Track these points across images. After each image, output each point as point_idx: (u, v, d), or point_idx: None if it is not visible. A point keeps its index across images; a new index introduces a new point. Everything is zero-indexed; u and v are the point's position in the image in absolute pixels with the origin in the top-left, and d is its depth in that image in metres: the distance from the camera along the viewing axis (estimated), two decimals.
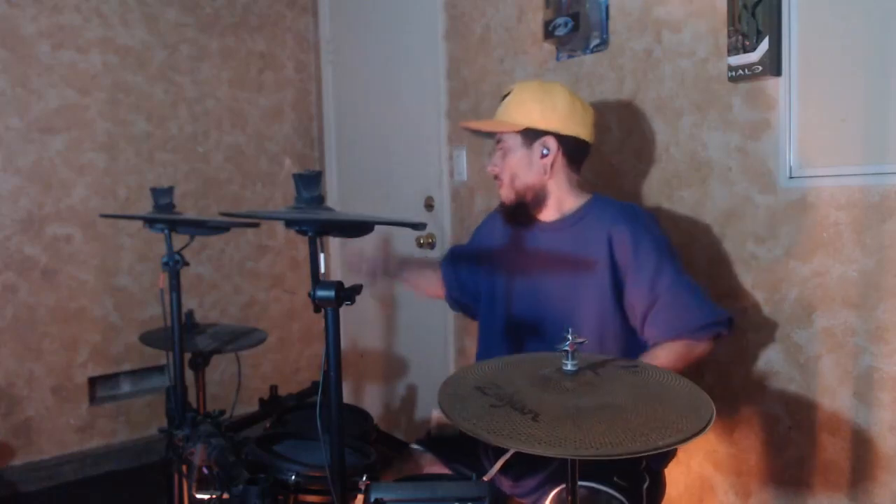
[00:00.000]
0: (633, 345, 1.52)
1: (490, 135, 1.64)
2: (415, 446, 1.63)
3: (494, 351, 1.63)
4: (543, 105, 1.54)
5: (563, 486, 1.34)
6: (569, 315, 1.49)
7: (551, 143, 1.54)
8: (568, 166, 1.57)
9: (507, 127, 1.56)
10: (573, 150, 1.57)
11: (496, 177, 1.60)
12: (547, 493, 1.38)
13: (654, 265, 1.45)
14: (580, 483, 1.28)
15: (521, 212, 1.59)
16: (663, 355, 1.43)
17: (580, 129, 1.56)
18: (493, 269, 1.68)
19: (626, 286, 1.48)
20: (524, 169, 1.56)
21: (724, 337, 1.49)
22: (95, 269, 2.88)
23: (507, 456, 1.32)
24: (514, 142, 1.56)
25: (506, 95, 1.60)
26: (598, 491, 1.36)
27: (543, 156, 1.54)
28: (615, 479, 1.39)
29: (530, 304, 1.58)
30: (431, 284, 1.87)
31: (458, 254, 1.87)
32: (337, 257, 3.32)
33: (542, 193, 1.57)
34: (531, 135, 1.54)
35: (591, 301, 1.50)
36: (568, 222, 1.56)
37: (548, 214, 1.58)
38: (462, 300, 1.83)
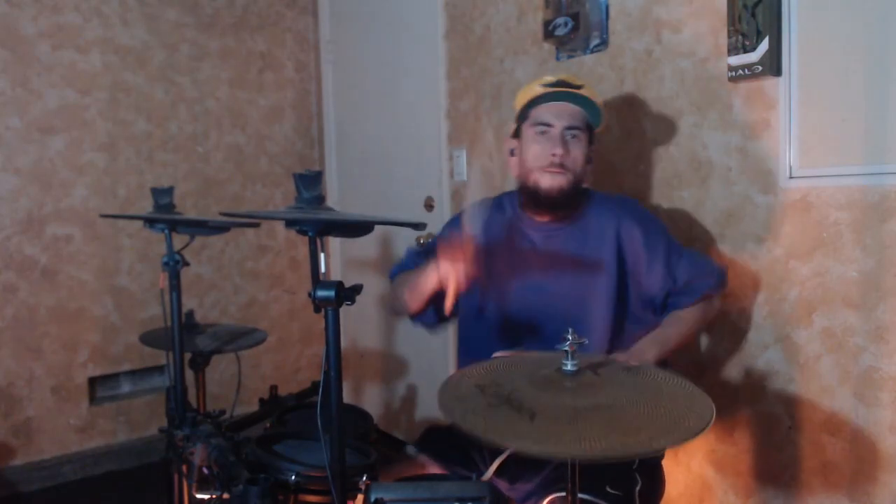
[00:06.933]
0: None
1: (512, 118, 1.62)
2: (409, 449, 1.63)
3: (488, 350, 1.60)
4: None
5: (558, 494, 1.33)
6: (580, 314, 1.49)
7: (594, 151, 1.61)
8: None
9: (602, 120, 1.58)
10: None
11: (559, 164, 1.51)
12: (541, 500, 1.37)
13: (665, 249, 1.53)
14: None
15: (560, 206, 1.55)
16: (686, 316, 1.54)
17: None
18: (482, 266, 1.64)
19: (642, 276, 1.53)
20: (585, 166, 1.55)
21: (725, 288, 1.62)
22: (95, 269, 2.88)
23: (503, 457, 1.31)
24: (586, 137, 1.55)
25: (574, 83, 1.54)
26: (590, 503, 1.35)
27: (590, 156, 1.58)
28: (607, 488, 1.37)
29: (530, 304, 1.57)
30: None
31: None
32: (337, 257, 3.33)
33: (582, 189, 1.58)
34: (592, 137, 1.57)
35: (600, 299, 1.51)
36: (573, 218, 1.57)
37: (567, 211, 1.57)
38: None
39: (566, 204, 1.54)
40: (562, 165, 1.50)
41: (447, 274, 1.41)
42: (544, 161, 1.50)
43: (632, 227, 1.52)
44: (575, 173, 1.52)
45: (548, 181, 1.51)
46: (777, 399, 1.65)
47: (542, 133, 1.52)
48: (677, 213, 1.84)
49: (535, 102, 1.54)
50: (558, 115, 1.52)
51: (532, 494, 1.44)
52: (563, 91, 1.53)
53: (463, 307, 1.68)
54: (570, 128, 1.52)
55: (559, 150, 1.49)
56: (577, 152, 1.52)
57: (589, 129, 1.55)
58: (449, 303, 1.41)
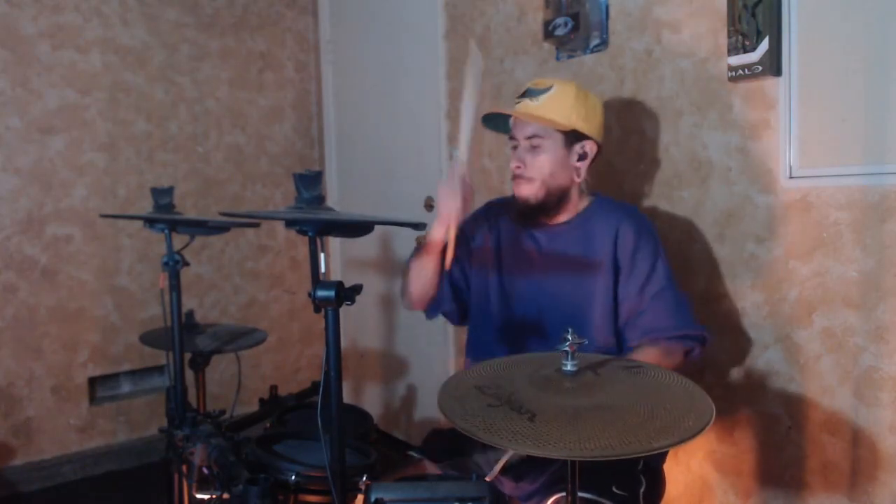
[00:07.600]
0: None
1: (501, 126, 1.63)
2: (412, 453, 1.63)
3: (491, 351, 1.62)
4: (586, 108, 1.54)
5: (561, 494, 1.33)
6: (579, 315, 1.51)
7: (591, 147, 1.56)
8: (589, 170, 1.59)
9: (560, 124, 1.51)
10: (597, 156, 1.60)
11: (518, 175, 1.55)
12: (546, 499, 1.37)
13: (648, 270, 1.50)
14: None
15: (540, 212, 1.56)
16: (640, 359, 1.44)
17: (604, 135, 1.61)
18: (489, 268, 1.67)
19: (619, 284, 1.51)
20: (559, 170, 1.54)
21: (696, 356, 1.49)
22: (95, 269, 2.88)
23: (507, 458, 1.32)
24: (555, 141, 1.53)
25: (537, 89, 1.53)
26: (595, 503, 1.36)
27: (580, 159, 1.55)
28: (613, 489, 1.38)
29: (535, 305, 1.58)
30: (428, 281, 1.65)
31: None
32: (337, 257, 3.33)
33: (566, 195, 1.57)
34: (573, 137, 1.54)
35: (600, 300, 1.51)
36: (576, 223, 1.58)
37: (561, 216, 1.58)
38: (446, 306, 1.72)
39: (543, 210, 1.56)
40: (523, 176, 1.55)
41: (447, 219, 1.49)
42: (512, 174, 1.58)
43: (627, 233, 1.52)
44: (543, 180, 1.53)
45: (516, 191, 1.57)
46: (777, 399, 1.65)
47: (514, 147, 1.58)
48: (677, 212, 1.84)
49: (503, 118, 1.60)
50: (519, 126, 1.57)
51: (536, 493, 1.44)
52: (518, 105, 1.55)
53: (472, 308, 1.70)
54: (530, 137, 1.54)
55: (515, 163, 1.55)
56: (540, 160, 1.53)
57: (562, 131, 1.52)
58: (450, 255, 1.48)
